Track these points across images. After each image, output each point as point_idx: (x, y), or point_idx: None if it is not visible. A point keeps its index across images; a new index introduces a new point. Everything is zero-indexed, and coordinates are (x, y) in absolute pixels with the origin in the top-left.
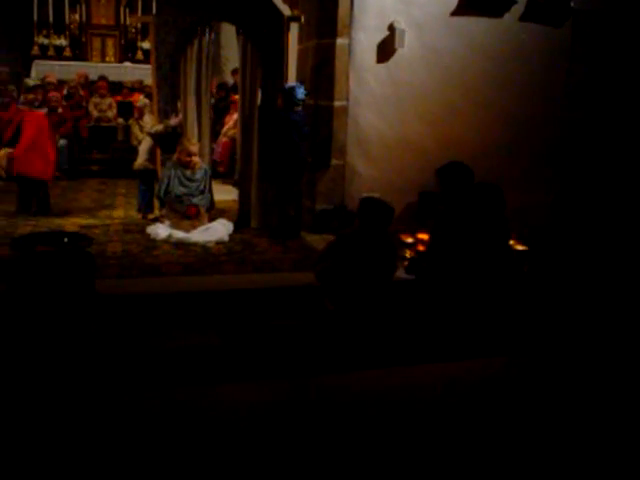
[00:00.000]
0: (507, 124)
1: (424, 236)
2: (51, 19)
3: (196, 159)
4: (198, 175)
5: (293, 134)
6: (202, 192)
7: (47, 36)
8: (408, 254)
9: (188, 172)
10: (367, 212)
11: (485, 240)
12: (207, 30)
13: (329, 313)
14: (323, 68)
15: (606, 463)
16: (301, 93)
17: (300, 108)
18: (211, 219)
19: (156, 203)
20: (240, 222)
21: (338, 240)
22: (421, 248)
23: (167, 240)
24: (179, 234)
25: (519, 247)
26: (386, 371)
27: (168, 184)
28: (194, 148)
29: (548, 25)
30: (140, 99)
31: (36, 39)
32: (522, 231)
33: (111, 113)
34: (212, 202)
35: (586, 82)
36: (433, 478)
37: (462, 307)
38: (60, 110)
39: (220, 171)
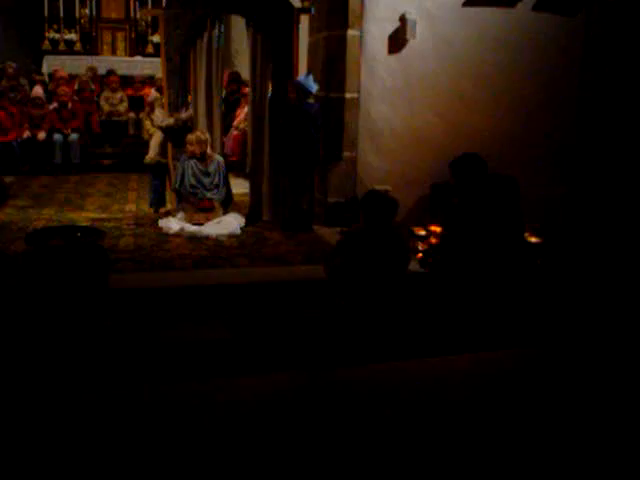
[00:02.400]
0: (520, 115)
1: (437, 228)
2: (61, 13)
3: (195, 149)
4: (211, 168)
5: (310, 126)
6: (217, 186)
7: (58, 31)
8: (421, 247)
9: (201, 165)
10: (371, 206)
11: (499, 232)
12: (217, 23)
13: (341, 307)
14: (334, 60)
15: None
16: (314, 85)
17: (313, 100)
18: (223, 212)
19: (168, 197)
20: (252, 215)
21: (346, 239)
22: (434, 241)
23: (179, 234)
24: (191, 228)
25: (533, 239)
26: (401, 363)
27: (183, 176)
28: (191, 137)
29: (561, 14)
30: (151, 93)
31: (47, 34)
32: (536, 223)
33: (122, 107)
34: (229, 196)
35: (600, 71)
36: (450, 472)
37: (476, 299)
38: (70, 105)
39: (232, 160)
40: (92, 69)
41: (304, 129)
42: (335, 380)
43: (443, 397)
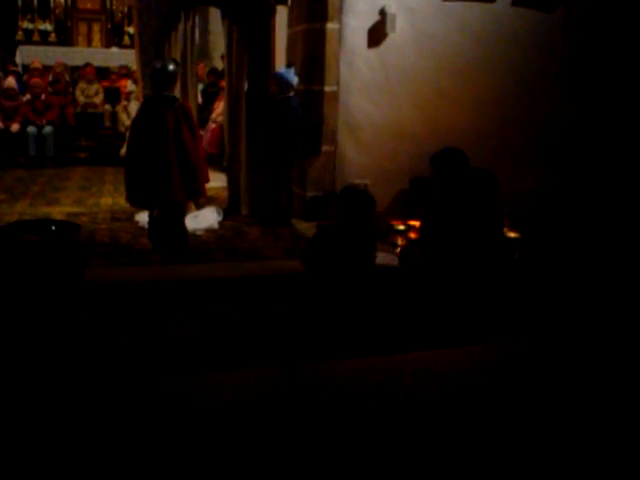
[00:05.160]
0: (499, 109)
1: (416, 223)
2: (35, 3)
3: None
4: None
5: (291, 120)
6: None
7: (32, 21)
8: (400, 241)
9: None
10: (348, 203)
11: (479, 227)
12: (191, 14)
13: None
14: (313, 53)
15: (611, 456)
16: (294, 77)
17: (293, 93)
18: (200, 206)
19: None
20: (230, 209)
21: (321, 234)
22: (413, 235)
23: None
24: None
25: (511, 234)
26: (379, 358)
27: None
28: None
29: (540, 10)
30: (128, 85)
31: (20, 24)
32: (514, 217)
33: (98, 99)
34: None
35: (579, 66)
36: (434, 471)
37: (455, 294)
38: (43, 96)
39: (210, 153)
40: (61, 65)
41: (285, 122)
42: (313, 375)
43: (424, 392)
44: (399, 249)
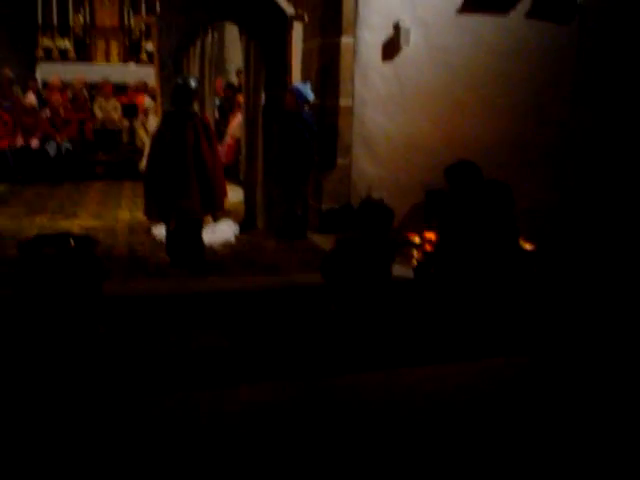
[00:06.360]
0: (514, 122)
1: (431, 236)
2: (55, 21)
3: None
4: None
5: (305, 133)
6: None
7: (51, 38)
8: (416, 254)
9: None
10: (367, 216)
11: (494, 239)
12: (210, 30)
13: (334, 312)
14: (328, 67)
15: (619, 463)
16: (310, 93)
17: (307, 108)
18: (217, 220)
19: None
20: (246, 223)
21: (340, 247)
22: (428, 248)
23: None
24: None
25: (528, 246)
26: (397, 371)
27: None
28: None
29: (555, 22)
30: (145, 100)
31: (40, 41)
32: (530, 230)
33: (116, 115)
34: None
35: (593, 79)
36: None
37: (471, 307)
38: (62, 112)
39: (226, 167)
40: (81, 81)
41: (299, 136)
42: (332, 388)
43: (439, 404)
44: (415, 262)
